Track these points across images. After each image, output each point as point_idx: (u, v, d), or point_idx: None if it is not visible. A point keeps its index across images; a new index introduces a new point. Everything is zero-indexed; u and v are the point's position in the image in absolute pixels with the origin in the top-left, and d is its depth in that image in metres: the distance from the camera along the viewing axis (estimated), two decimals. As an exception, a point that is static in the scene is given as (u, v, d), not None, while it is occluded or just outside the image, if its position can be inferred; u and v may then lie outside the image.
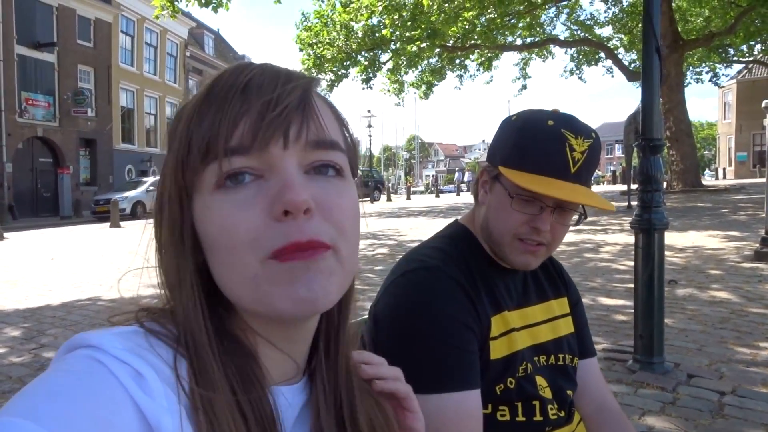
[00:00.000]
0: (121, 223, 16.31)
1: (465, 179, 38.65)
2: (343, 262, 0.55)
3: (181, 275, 0.55)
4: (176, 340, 0.53)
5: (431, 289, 1.09)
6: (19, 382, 3.68)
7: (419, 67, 19.46)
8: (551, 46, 21.29)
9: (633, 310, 3.62)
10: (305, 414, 0.61)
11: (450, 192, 38.09)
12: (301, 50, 17.93)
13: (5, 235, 14.15)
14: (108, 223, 16.51)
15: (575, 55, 22.84)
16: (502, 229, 1.13)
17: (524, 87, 23.23)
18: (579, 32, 21.75)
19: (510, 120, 1.18)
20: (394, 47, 17.45)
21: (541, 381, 1.20)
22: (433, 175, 62.07)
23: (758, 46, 22.80)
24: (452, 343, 1.05)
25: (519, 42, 20.57)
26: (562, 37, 21.34)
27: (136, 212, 20.04)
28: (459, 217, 1.30)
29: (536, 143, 1.09)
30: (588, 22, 21.89)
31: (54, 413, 0.42)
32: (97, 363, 0.46)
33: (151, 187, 20.91)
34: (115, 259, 9.08)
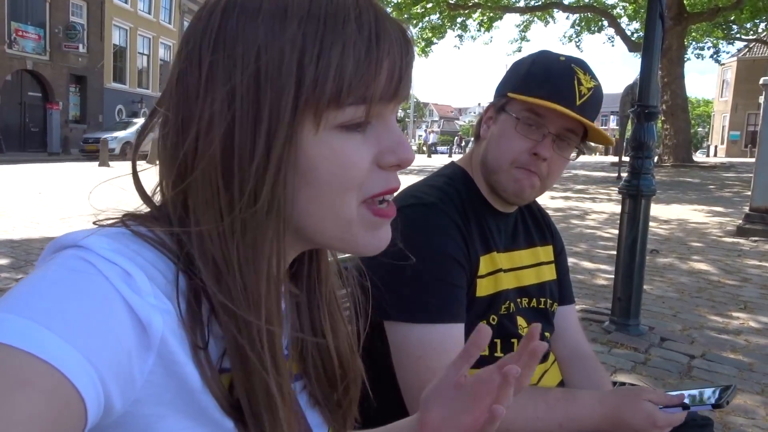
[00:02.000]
0: (110, 162, 16.17)
1: (430, 141, 38.83)
2: None
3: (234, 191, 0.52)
4: (163, 244, 0.53)
5: (427, 224, 1.13)
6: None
7: (421, 24, 19.15)
8: (554, 10, 20.95)
9: (614, 275, 3.71)
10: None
11: (443, 153, 38.01)
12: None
13: (-8, 167, 13.98)
14: (97, 162, 16.36)
15: (578, 21, 22.52)
16: (502, 155, 1.16)
17: (519, 49, 22.95)
18: (584, -3, 21.39)
19: (523, 59, 1.23)
20: (396, 1, 17.12)
21: (521, 321, 1.25)
22: (420, 135, 61.62)
23: (763, 24, 22.58)
24: (442, 278, 1.10)
25: (522, 4, 20.23)
26: (566, 2, 20.98)
27: (126, 153, 19.82)
28: (456, 159, 1.33)
29: (547, 73, 1.14)
30: (594, -12, 21.52)
31: (47, 310, 0.42)
32: (86, 263, 0.47)
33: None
34: (104, 196, 9.03)
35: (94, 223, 0.56)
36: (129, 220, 0.55)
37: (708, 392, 1.07)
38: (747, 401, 2.73)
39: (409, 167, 0.60)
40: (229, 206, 0.52)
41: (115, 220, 0.56)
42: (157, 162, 0.57)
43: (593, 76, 1.16)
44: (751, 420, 2.56)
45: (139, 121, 21.94)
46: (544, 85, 1.12)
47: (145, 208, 0.58)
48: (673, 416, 1.02)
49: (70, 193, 9.83)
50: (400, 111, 0.61)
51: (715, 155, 39.50)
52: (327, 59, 0.50)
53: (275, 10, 0.50)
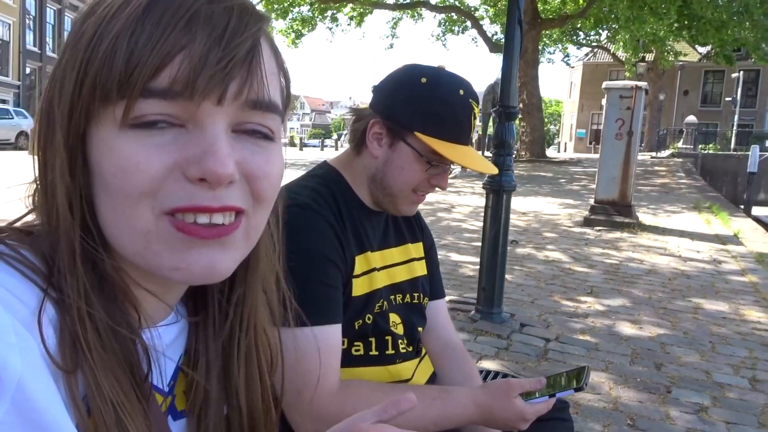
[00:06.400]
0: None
1: None
2: (250, 232, 0.53)
3: (60, 201, 0.48)
4: (31, 267, 0.48)
5: (301, 226, 1.11)
6: None
7: (291, 15, 18.89)
8: (422, 9, 21.63)
9: (479, 266, 3.91)
10: (173, 350, 0.60)
11: (314, 147, 37.87)
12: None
13: None
14: None
15: (443, 20, 23.43)
16: (403, 184, 1.20)
17: (391, 46, 23.52)
18: (449, -1, 22.31)
19: (418, 80, 1.18)
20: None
21: (395, 318, 1.27)
22: (292, 128, 61.13)
23: (604, 33, 24.96)
24: (318, 279, 1.09)
25: (392, 1, 20.65)
26: (433, 2, 21.74)
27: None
28: (329, 158, 1.31)
29: (453, 114, 1.17)
30: (458, -10, 22.50)
31: None
32: None
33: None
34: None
35: None
36: None
37: (564, 376, 1.15)
38: (593, 378, 3.01)
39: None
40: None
41: None
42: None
43: (477, 102, 1.22)
44: (597, 395, 2.83)
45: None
46: (451, 130, 1.17)
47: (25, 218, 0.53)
48: (540, 405, 1.10)
49: None
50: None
51: (565, 151, 43.11)
52: (125, 44, 0.45)
53: (105, 11, 0.48)
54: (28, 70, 30.25)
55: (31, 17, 30.56)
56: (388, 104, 1.20)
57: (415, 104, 1.17)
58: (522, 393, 1.11)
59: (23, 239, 0.50)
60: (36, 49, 30.99)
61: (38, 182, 0.52)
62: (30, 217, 0.54)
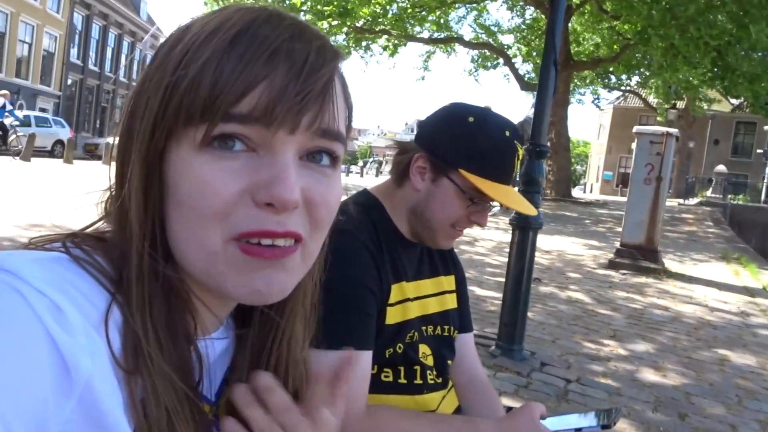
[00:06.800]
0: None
1: None
2: (306, 257, 0.55)
3: (133, 213, 0.51)
4: (103, 272, 0.50)
5: (341, 251, 1.13)
6: None
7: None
8: (456, 44, 21.92)
9: (501, 302, 3.89)
10: (222, 363, 0.63)
11: (341, 172, 37.99)
12: (205, 4, 17.09)
13: None
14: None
15: (476, 57, 23.70)
16: (444, 218, 1.22)
17: (423, 78, 23.84)
18: (483, 36, 22.58)
19: (465, 119, 1.21)
20: (303, 18, 17.10)
21: (425, 349, 1.28)
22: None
23: (635, 78, 24.99)
24: (355, 305, 1.11)
25: (426, 35, 20.98)
26: (467, 38, 22.04)
27: (-2, 146, 18.05)
28: (369, 187, 1.35)
29: (499, 155, 1.20)
30: (493, 28, 22.80)
31: None
32: (12, 291, 0.42)
33: (16, 122, 18.89)
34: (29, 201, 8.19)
35: (29, 243, 0.51)
36: (71, 241, 0.51)
37: (591, 415, 1.15)
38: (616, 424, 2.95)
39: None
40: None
41: (56, 240, 0.51)
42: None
43: (522, 143, 1.24)
44: (618, 441, 2.77)
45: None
46: (496, 170, 1.20)
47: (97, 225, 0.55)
48: None
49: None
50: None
51: (591, 192, 42.80)
52: (212, 71, 0.48)
53: (197, 33, 0.51)
54: (69, 82, 31.25)
55: (78, 32, 31.67)
56: (434, 140, 1.23)
57: (461, 142, 1.20)
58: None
59: (97, 245, 0.53)
60: (79, 62, 32.07)
61: (113, 191, 0.55)
62: (100, 224, 0.56)
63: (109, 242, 0.54)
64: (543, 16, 17.23)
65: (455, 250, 1.51)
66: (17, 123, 16.08)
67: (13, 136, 15.53)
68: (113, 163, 0.54)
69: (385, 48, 21.05)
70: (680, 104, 28.30)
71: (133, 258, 0.50)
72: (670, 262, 8.36)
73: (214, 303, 0.57)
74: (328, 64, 0.51)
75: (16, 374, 0.39)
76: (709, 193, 24.34)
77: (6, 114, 15.63)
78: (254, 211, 0.49)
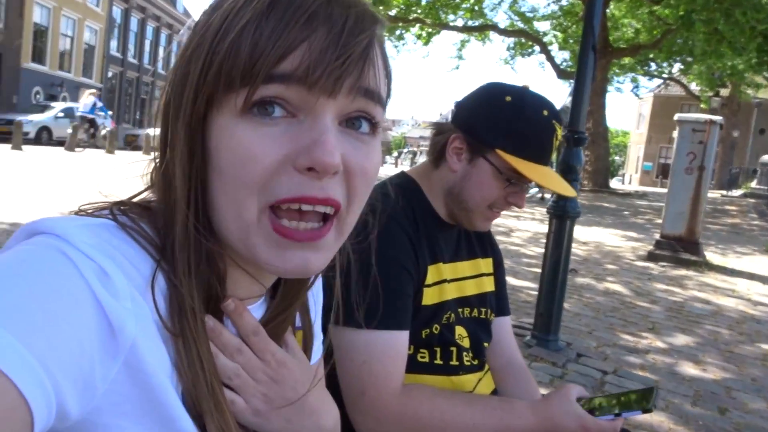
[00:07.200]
0: (23, 147, 15.18)
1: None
2: (341, 231, 0.54)
3: (178, 181, 0.51)
4: (148, 239, 0.52)
5: (378, 232, 1.14)
6: None
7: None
8: (490, 32, 21.63)
9: (537, 292, 3.85)
10: None
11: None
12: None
13: None
14: (9, 145, 15.31)
15: (511, 45, 23.35)
16: (480, 199, 1.21)
17: (457, 67, 23.69)
18: (519, 23, 22.21)
19: (503, 99, 1.20)
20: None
21: (461, 331, 1.28)
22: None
23: (677, 65, 24.27)
24: (391, 285, 1.11)
25: (460, 23, 20.75)
26: (501, 25, 21.71)
27: (41, 138, 18.64)
28: (407, 169, 1.34)
29: (537, 134, 1.18)
30: (528, 14, 22.40)
31: (6, 306, 0.39)
32: (61, 255, 0.44)
33: (61, 113, 19.47)
34: (13, 183, 8.48)
35: (78, 210, 0.52)
36: (117, 209, 0.52)
37: (631, 395, 1.12)
38: (653, 416, 2.89)
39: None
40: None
41: (104, 207, 0.53)
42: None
43: (560, 123, 1.22)
44: (656, 434, 2.72)
45: (58, 106, 20.72)
46: (534, 150, 1.18)
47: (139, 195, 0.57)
48: (605, 424, 1.07)
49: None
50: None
51: (630, 183, 41.89)
52: (250, 36, 0.48)
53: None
54: (110, 74, 31.99)
55: (117, 25, 32.37)
56: (471, 120, 1.22)
57: (499, 122, 1.18)
58: (585, 405, 1.10)
59: (143, 213, 0.54)
60: (119, 55, 32.80)
61: (158, 160, 0.56)
62: (146, 194, 0.58)
63: (154, 211, 0.55)
64: (580, 1, 16.87)
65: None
66: (107, 119, 17.85)
67: (103, 131, 17.09)
68: (158, 130, 0.55)
69: (418, 37, 20.93)
70: (724, 92, 27.38)
71: (178, 226, 0.51)
72: (712, 255, 8.14)
73: (255, 270, 0.58)
74: (368, 29, 0.51)
75: (64, 336, 0.41)
76: (753, 184, 23.51)
77: (97, 111, 16.86)
78: (296, 178, 0.49)
